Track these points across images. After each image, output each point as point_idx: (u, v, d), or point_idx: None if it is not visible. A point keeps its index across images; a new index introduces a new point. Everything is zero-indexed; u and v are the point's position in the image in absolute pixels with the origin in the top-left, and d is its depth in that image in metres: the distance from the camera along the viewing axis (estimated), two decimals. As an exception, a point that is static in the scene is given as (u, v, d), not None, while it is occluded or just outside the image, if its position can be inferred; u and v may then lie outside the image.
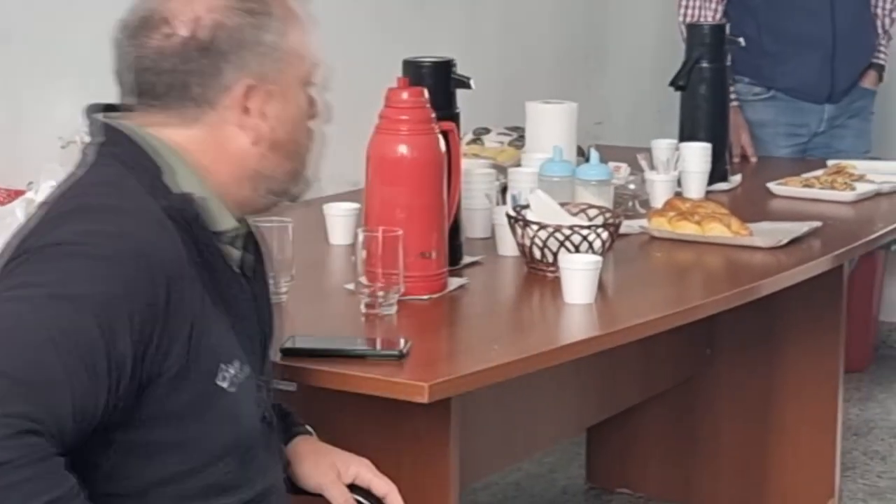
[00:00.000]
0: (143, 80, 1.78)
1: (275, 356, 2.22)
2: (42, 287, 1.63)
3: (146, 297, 1.67)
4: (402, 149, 2.52)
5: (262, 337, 1.92)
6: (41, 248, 1.67)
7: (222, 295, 1.79)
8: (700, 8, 4.19)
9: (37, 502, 1.53)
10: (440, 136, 2.56)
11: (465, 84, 2.76)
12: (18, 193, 2.84)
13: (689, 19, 4.13)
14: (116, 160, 1.77)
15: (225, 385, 1.77)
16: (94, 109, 1.85)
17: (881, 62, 4.40)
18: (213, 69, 1.77)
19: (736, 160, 4.10)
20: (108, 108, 1.86)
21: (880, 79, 4.43)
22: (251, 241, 1.92)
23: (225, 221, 1.82)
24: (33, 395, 1.57)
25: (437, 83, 2.70)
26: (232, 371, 1.78)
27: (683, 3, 4.21)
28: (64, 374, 1.59)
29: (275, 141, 1.83)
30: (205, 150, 1.80)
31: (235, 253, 1.85)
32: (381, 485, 2.02)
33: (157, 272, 1.68)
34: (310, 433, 2.09)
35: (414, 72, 2.71)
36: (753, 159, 4.17)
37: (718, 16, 4.19)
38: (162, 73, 1.77)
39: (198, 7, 1.77)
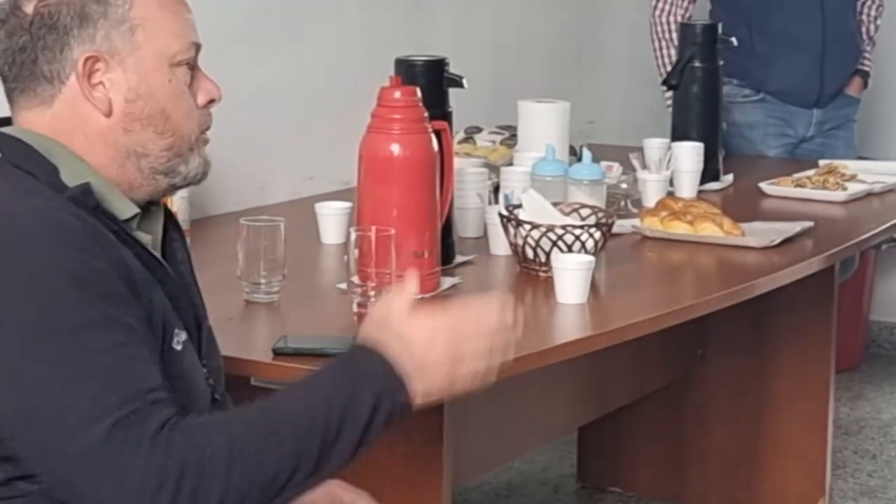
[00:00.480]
0: (2, 62, 1.82)
1: (266, 356, 2.23)
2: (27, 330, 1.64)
3: (96, 265, 1.69)
4: (395, 148, 2.51)
5: (196, 321, 1.91)
6: None
7: (156, 277, 1.80)
8: (672, 10, 4.19)
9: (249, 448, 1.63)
10: (433, 135, 2.55)
11: (457, 83, 2.75)
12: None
13: (661, 19, 4.14)
14: (16, 167, 1.78)
15: (178, 348, 1.79)
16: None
17: (866, 69, 4.41)
18: (60, 45, 1.79)
19: None
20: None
21: (865, 85, 4.44)
22: (173, 228, 1.92)
23: (126, 209, 1.82)
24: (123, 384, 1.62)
25: (430, 82, 2.69)
26: (183, 337, 1.81)
27: (657, 11, 4.22)
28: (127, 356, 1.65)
29: (132, 114, 1.82)
30: (72, 131, 1.81)
31: (146, 237, 1.84)
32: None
33: (85, 241, 1.69)
34: None
35: (406, 70, 2.70)
36: None
37: (689, 14, 4.19)
38: (13, 51, 1.80)
39: None
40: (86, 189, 1.76)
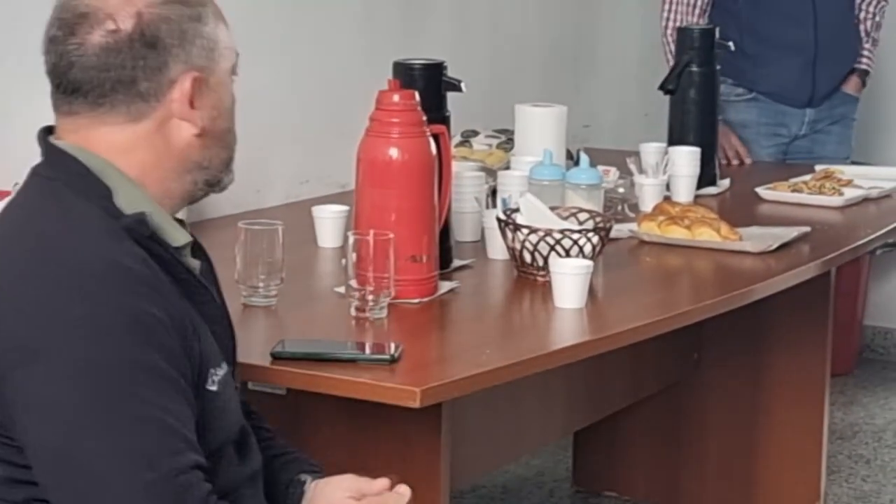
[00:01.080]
0: (88, 77, 1.77)
1: (264, 360, 2.22)
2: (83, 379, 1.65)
3: (153, 312, 1.69)
4: (393, 152, 2.51)
5: (232, 340, 1.92)
6: (49, 343, 1.66)
7: (197, 306, 1.80)
8: (683, 20, 4.18)
9: None
10: (431, 139, 2.55)
11: (455, 87, 2.75)
12: (4, 194, 2.82)
13: (671, 28, 4.13)
14: (67, 187, 1.77)
15: (213, 389, 1.80)
16: (46, 132, 1.84)
17: (864, 67, 4.39)
18: (160, 63, 1.78)
19: (727, 162, 4.12)
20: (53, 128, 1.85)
21: (864, 84, 4.43)
22: (199, 248, 1.92)
23: (179, 237, 1.83)
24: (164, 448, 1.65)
25: (428, 86, 2.69)
26: (219, 374, 1.81)
27: (665, 13, 4.21)
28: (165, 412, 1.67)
29: (214, 131, 1.84)
30: (149, 146, 1.80)
31: (194, 263, 1.86)
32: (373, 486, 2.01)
33: (143, 288, 1.70)
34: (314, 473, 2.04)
35: (405, 74, 2.70)
36: (748, 160, 4.17)
37: (700, 24, 4.18)
38: (109, 69, 1.76)
39: (137, 2, 1.77)
40: (141, 219, 1.76)
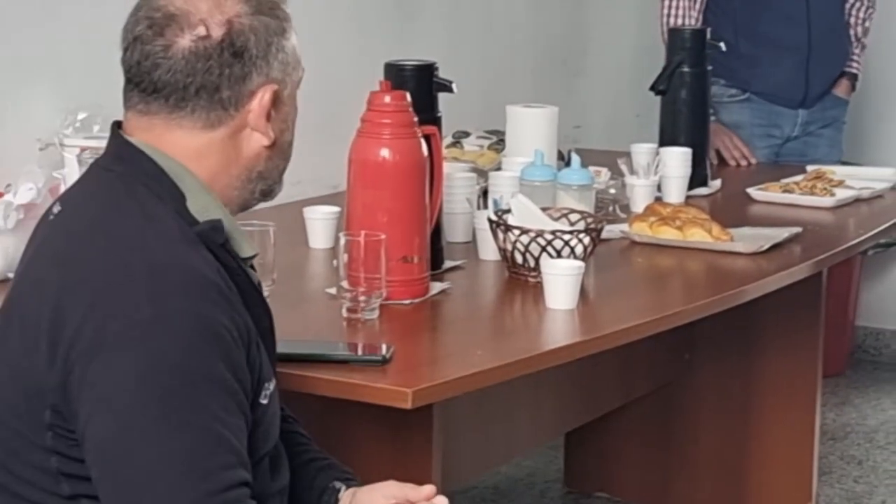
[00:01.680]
0: (173, 80, 1.77)
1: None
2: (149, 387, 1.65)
3: (224, 322, 1.70)
4: (385, 152, 2.50)
5: (275, 354, 1.93)
6: (119, 339, 1.66)
7: (254, 315, 1.81)
8: (684, 17, 4.19)
9: None
10: (422, 140, 2.55)
11: (447, 88, 2.75)
12: (-3, 195, 2.82)
13: (671, 25, 4.14)
14: (145, 187, 1.77)
15: (265, 402, 1.81)
16: (118, 126, 1.85)
17: (854, 71, 4.41)
18: (244, 73, 1.79)
19: (735, 164, 4.13)
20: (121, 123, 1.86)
21: (853, 88, 4.44)
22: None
23: (248, 248, 1.85)
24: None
25: (419, 87, 2.68)
26: (270, 388, 1.83)
27: (666, 10, 4.21)
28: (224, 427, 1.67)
29: (282, 143, 1.87)
30: (221, 153, 1.81)
31: (256, 275, 1.88)
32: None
33: (217, 297, 1.71)
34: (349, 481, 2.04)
35: (396, 75, 2.69)
36: (753, 160, 4.18)
37: (699, 23, 4.19)
38: (194, 74, 1.77)
39: (228, 10, 1.78)
40: (217, 226, 1.77)
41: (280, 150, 1.86)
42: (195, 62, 1.76)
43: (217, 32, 1.77)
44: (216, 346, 1.68)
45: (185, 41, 1.76)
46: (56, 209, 1.83)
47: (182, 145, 1.79)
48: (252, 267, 1.90)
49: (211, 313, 1.68)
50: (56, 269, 1.73)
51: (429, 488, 1.95)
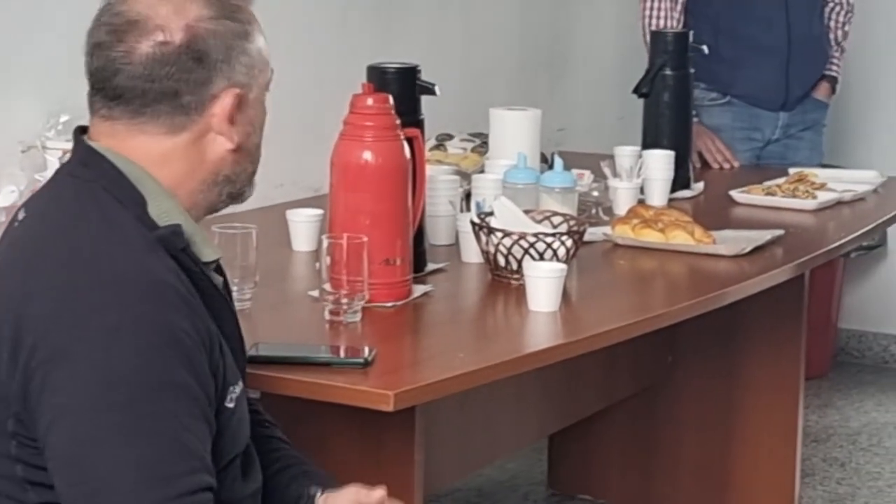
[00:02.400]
0: (133, 86, 1.77)
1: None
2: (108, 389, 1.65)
3: (186, 329, 1.70)
4: (367, 155, 2.50)
5: (244, 356, 1.93)
6: (80, 348, 1.66)
7: (217, 319, 1.81)
8: (666, 19, 4.20)
9: None
10: (405, 143, 2.55)
11: (429, 90, 2.75)
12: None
13: (653, 27, 4.14)
14: (106, 192, 1.76)
15: (231, 406, 1.80)
16: (81, 131, 1.84)
17: (834, 74, 4.43)
18: (204, 78, 1.78)
19: (719, 166, 4.13)
20: (86, 128, 1.85)
21: (833, 91, 4.46)
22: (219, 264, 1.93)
23: (210, 252, 1.84)
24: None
25: (402, 89, 2.68)
26: (236, 392, 1.82)
27: (647, 12, 4.22)
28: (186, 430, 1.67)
29: (248, 147, 1.86)
30: (184, 158, 1.80)
31: (219, 278, 1.87)
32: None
33: (178, 303, 1.70)
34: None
35: (379, 78, 2.69)
36: (736, 163, 4.19)
37: (680, 25, 4.20)
38: (155, 80, 1.76)
39: (189, 15, 1.77)
40: (176, 231, 1.76)
41: (246, 154, 1.86)
42: (155, 68, 1.76)
43: (177, 38, 1.76)
44: (178, 352, 1.67)
45: (145, 47, 1.76)
46: (21, 215, 1.82)
47: (145, 150, 1.79)
48: (220, 268, 1.90)
49: (172, 319, 1.68)
50: (19, 277, 1.72)
51: (379, 492, 1.96)
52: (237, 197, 1.89)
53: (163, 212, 1.77)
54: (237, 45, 1.80)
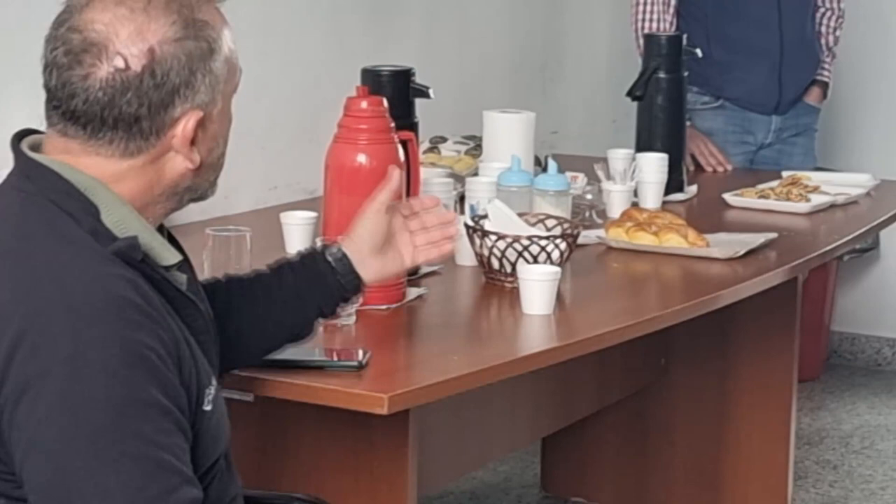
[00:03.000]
0: (90, 111, 1.72)
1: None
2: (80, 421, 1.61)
3: (149, 343, 1.66)
4: (361, 158, 2.50)
5: (216, 348, 1.91)
6: (42, 379, 1.62)
7: (186, 321, 1.78)
8: (658, 22, 4.20)
9: None
10: (399, 146, 2.55)
11: (423, 93, 2.75)
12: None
13: (645, 30, 4.15)
14: (56, 206, 1.71)
15: (209, 409, 1.78)
16: (19, 137, 1.79)
17: (825, 79, 4.44)
18: (165, 102, 1.73)
19: (712, 169, 4.14)
20: (31, 132, 1.80)
21: (825, 95, 4.47)
22: (185, 260, 1.89)
23: (170, 256, 1.79)
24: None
25: (397, 92, 2.69)
26: (212, 392, 1.79)
27: (640, 15, 4.22)
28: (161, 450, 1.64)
29: (211, 161, 1.82)
30: (141, 177, 1.76)
31: (182, 277, 1.83)
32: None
33: (139, 318, 1.66)
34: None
35: (373, 81, 2.70)
36: (729, 167, 4.19)
37: (673, 28, 4.21)
38: (113, 106, 1.71)
39: (150, 37, 1.72)
40: (132, 244, 1.70)
41: (209, 167, 1.82)
42: (113, 94, 1.70)
43: (136, 64, 1.70)
44: (143, 370, 1.63)
45: (102, 72, 1.70)
46: None
47: (99, 169, 1.74)
48: (188, 265, 1.87)
49: (133, 336, 1.63)
50: None
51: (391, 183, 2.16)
52: (199, 199, 1.86)
53: (117, 220, 1.73)
54: (200, 66, 1.74)
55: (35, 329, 1.63)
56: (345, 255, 2.11)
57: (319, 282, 2.10)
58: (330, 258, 2.11)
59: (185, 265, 1.87)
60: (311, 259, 2.12)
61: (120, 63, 1.70)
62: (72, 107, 1.72)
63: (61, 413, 1.60)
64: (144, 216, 1.77)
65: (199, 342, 1.80)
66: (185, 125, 1.75)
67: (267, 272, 2.14)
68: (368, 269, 2.13)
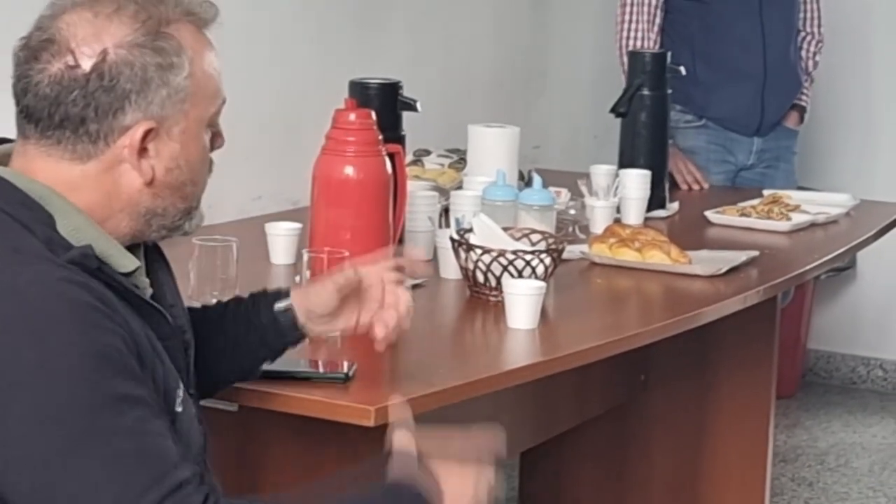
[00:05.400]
0: (41, 107, 1.72)
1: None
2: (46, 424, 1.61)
3: (110, 342, 1.65)
4: (349, 170, 2.51)
5: (185, 348, 1.89)
6: (9, 392, 1.60)
7: (150, 325, 1.77)
8: (642, 39, 4.22)
9: None
10: (387, 158, 2.55)
11: (411, 107, 2.76)
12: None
13: (629, 48, 4.16)
14: (8, 216, 1.70)
15: (179, 410, 1.78)
16: None
17: (803, 104, 4.47)
18: (113, 108, 1.71)
19: (687, 188, 4.15)
20: (2, 140, 1.81)
21: (801, 120, 4.49)
22: (152, 258, 1.88)
23: (128, 263, 1.77)
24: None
25: (384, 105, 2.70)
26: (181, 395, 1.79)
27: (624, 33, 4.24)
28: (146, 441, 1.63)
29: (168, 182, 1.78)
30: (96, 188, 1.75)
31: (145, 282, 1.82)
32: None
33: (96, 318, 1.65)
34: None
35: (361, 93, 2.71)
36: (706, 185, 4.21)
37: (657, 46, 4.22)
38: (59, 103, 1.70)
39: (106, 39, 1.71)
40: (86, 252, 1.69)
41: (169, 189, 1.78)
42: (60, 91, 1.70)
43: (86, 63, 1.70)
44: (107, 367, 1.63)
45: (54, 69, 1.70)
46: None
47: (53, 174, 1.73)
48: (168, 272, 1.86)
49: (96, 337, 1.63)
50: None
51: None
52: (175, 230, 1.83)
53: (73, 228, 1.71)
54: (156, 76, 1.72)
55: None
56: (291, 309, 2.05)
57: (259, 332, 2.06)
58: (276, 310, 2.05)
59: (161, 263, 1.87)
60: (256, 307, 2.07)
61: (70, 60, 1.70)
62: (25, 102, 1.73)
63: (36, 423, 1.60)
64: (105, 229, 1.75)
65: (165, 347, 1.79)
66: (133, 134, 1.73)
67: (214, 310, 2.11)
68: (314, 326, 2.07)
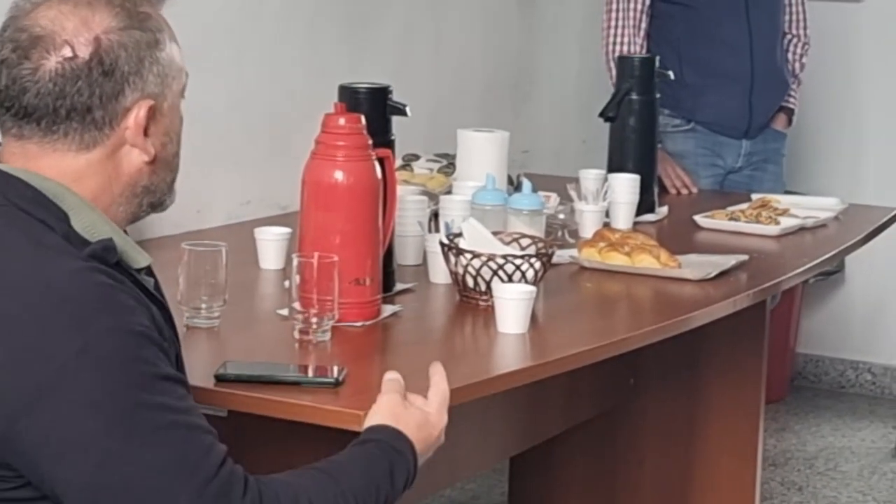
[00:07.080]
0: (42, 104, 1.74)
1: (207, 382, 2.21)
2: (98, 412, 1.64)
3: (144, 322, 1.70)
4: (339, 175, 2.50)
5: (179, 354, 1.90)
6: (57, 380, 1.63)
7: (156, 323, 1.78)
8: (629, 45, 4.22)
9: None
10: (376, 163, 2.55)
11: (400, 111, 2.75)
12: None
13: (616, 53, 4.16)
14: (26, 215, 1.72)
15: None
16: None
17: (791, 106, 4.47)
18: (116, 91, 1.75)
19: (676, 192, 4.15)
20: None
21: (790, 122, 4.50)
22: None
23: (141, 258, 1.81)
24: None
25: (374, 110, 2.69)
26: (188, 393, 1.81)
27: (611, 38, 4.24)
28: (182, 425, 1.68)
29: (165, 157, 1.84)
30: (100, 173, 1.78)
31: (150, 281, 1.85)
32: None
33: (129, 302, 1.69)
34: None
35: (350, 97, 2.70)
36: (694, 189, 4.21)
37: (643, 51, 4.23)
38: (65, 96, 1.73)
39: (94, 27, 1.74)
40: (108, 245, 1.73)
41: (164, 163, 1.83)
42: (64, 84, 1.73)
43: (84, 52, 1.73)
44: (147, 347, 1.67)
45: (51, 63, 1.73)
46: None
47: (59, 168, 1.76)
48: (150, 271, 1.88)
49: (130, 318, 1.67)
50: None
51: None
52: (158, 206, 1.87)
53: (88, 225, 1.74)
54: (147, 55, 1.77)
55: (34, 336, 1.64)
56: None
57: None
58: None
59: (150, 271, 1.89)
60: None
61: (68, 52, 1.73)
62: (24, 103, 1.74)
63: (84, 409, 1.62)
64: (109, 216, 1.79)
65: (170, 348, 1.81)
66: (136, 114, 1.77)
67: None
68: None
